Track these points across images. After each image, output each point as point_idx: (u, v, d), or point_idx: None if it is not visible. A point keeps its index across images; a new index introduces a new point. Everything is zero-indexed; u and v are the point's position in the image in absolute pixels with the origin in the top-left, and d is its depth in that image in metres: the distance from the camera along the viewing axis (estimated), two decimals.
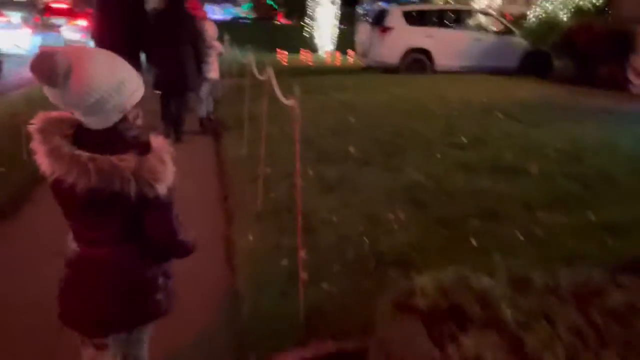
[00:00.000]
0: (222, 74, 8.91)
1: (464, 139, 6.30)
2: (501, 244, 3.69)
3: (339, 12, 22.22)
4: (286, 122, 5.47)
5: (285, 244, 3.90)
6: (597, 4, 13.49)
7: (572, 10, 13.58)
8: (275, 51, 17.55)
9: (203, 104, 8.03)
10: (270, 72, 4.41)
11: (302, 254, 3.25)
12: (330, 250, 3.76)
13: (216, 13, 27.51)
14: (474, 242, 3.74)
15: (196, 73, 7.20)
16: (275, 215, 4.52)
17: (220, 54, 8.35)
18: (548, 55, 14.04)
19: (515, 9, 18.88)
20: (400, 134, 6.62)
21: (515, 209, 4.24)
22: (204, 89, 7.88)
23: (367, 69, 14.50)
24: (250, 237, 4.15)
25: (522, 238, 3.78)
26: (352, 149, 6.00)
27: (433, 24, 14.71)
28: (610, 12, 13.03)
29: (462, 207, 4.36)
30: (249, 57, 6.79)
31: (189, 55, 7.05)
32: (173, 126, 7.17)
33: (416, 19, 14.27)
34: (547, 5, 14.01)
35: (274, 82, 4.04)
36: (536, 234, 3.81)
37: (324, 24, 21.62)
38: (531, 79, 12.42)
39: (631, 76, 8.41)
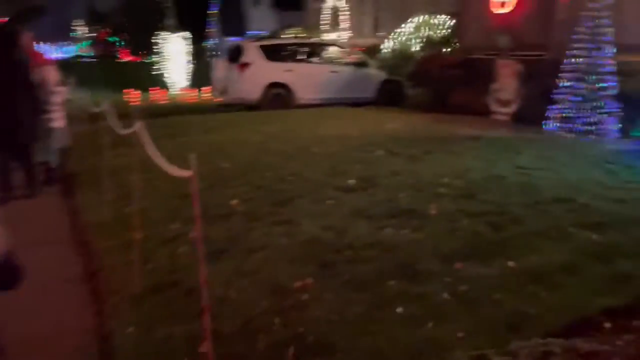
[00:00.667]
0: (71, 121, 7.86)
1: (351, 181, 5.91)
2: (430, 309, 3.25)
3: (189, 47, 21.48)
4: (152, 173, 4.73)
5: (179, 334, 3.17)
6: (445, 34, 14.12)
7: (423, 41, 14.09)
8: (125, 91, 16.35)
9: (48, 155, 6.99)
10: (139, 125, 3.69)
11: (206, 347, 2.62)
12: (237, 339, 3.09)
13: (53, 52, 25.38)
14: (399, 310, 3.27)
15: (35, 122, 6.46)
16: (160, 294, 3.76)
17: (65, 100, 7.38)
18: (401, 84, 14.50)
19: (364, 42, 19.38)
20: (283, 179, 6.09)
21: (431, 262, 3.85)
22: (49, 139, 6.89)
23: (227, 106, 13.94)
24: (131, 330, 3.35)
25: (449, 298, 3.37)
26: (234, 202, 5.35)
27: (291, 58, 14.59)
28: (456, 42, 13.67)
29: (372, 264, 3.90)
30: (98, 99, 6.01)
31: (25, 102, 6.21)
32: (27, 180, 6.50)
33: (274, 53, 14.03)
34: (400, 38, 14.42)
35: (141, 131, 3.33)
36: (463, 291, 3.42)
37: (175, 60, 20.71)
38: (390, 109, 12.60)
39: (492, 104, 8.66)
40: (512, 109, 8.42)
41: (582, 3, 10.56)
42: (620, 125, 8.22)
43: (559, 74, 9.17)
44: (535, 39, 11.61)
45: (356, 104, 13.51)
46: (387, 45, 14.73)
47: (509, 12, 12.07)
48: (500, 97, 8.43)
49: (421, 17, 14.56)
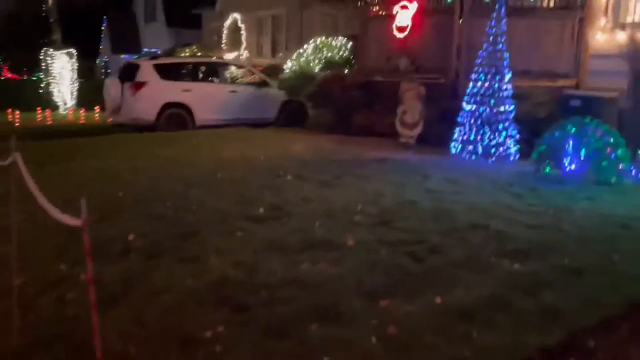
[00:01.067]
0: None
1: (261, 210, 5.54)
2: (359, 358, 2.95)
3: (77, 64, 20.22)
4: (33, 205, 4.11)
5: None
6: (344, 56, 14.15)
7: (324, 62, 14.03)
8: (6, 110, 15.00)
9: None
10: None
11: None
12: None
13: None
14: None
15: None
16: (43, 350, 3.20)
17: None
18: (303, 105, 14.38)
19: (263, 62, 19.16)
20: (187, 209, 5.60)
21: (354, 301, 3.56)
22: None
23: (120, 127, 13.13)
24: None
25: (378, 343, 3.09)
26: (131, 236, 4.80)
27: (189, 78, 14.06)
28: (355, 64, 13.74)
29: (291, 305, 3.54)
30: None
31: None
32: None
33: (170, 72, 13.43)
34: (301, 59, 14.27)
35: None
36: (392, 335, 3.15)
37: (61, 77, 19.38)
38: (292, 130, 12.42)
39: (398, 127, 8.64)
40: (417, 131, 8.44)
41: (479, 29, 10.98)
42: (519, 147, 8.45)
43: (459, 98, 9.42)
44: (433, 63, 11.89)
45: (257, 124, 13.26)
46: (288, 66, 14.54)
47: (407, 37, 12.31)
48: (405, 119, 8.43)
49: (319, 39, 14.51)
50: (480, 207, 5.69)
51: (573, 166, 7.32)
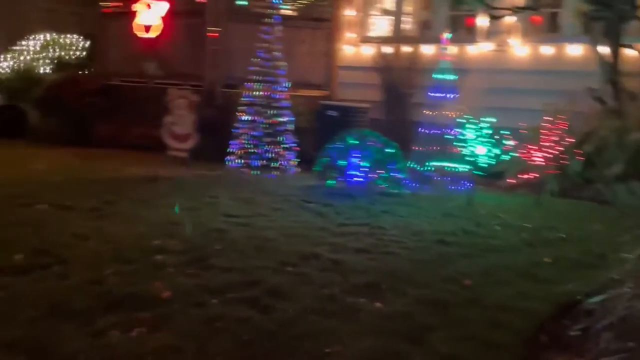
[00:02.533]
0: None
1: (18, 256, 4.02)
2: None
3: None
4: None
5: None
6: (79, 56, 12.25)
7: (55, 62, 11.93)
8: None
9: None
10: None
11: None
12: None
13: None
14: None
15: None
16: None
17: None
18: (22, 112, 12.08)
19: None
20: None
21: None
22: None
23: None
24: None
25: None
26: None
27: None
28: (93, 66, 12.01)
29: None
30: None
31: None
32: None
33: None
34: (23, 57, 11.90)
35: None
36: None
37: None
38: (14, 143, 10.39)
39: (167, 139, 7.48)
40: (189, 144, 7.41)
41: (238, 35, 10.41)
42: (299, 160, 8.06)
43: (218, 108, 8.72)
44: (187, 68, 10.94)
45: None
46: (6, 64, 12.02)
47: (155, 38, 11.13)
48: (175, 131, 7.35)
49: (48, 35, 12.33)
50: (294, 232, 5.02)
51: (356, 178, 7.17)
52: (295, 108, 9.59)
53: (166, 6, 10.97)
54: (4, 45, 16.45)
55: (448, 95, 7.81)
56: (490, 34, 9.03)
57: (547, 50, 8.62)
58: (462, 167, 7.59)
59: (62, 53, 12.09)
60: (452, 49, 8.59)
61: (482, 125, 7.72)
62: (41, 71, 11.85)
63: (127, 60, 11.63)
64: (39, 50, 12.03)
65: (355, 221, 5.58)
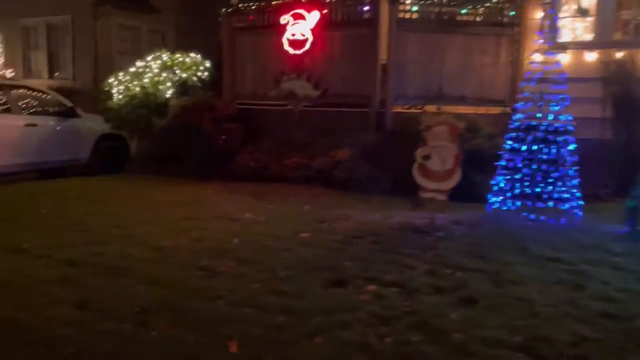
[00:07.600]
0: None
1: None
2: None
3: None
4: None
5: None
6: (204, 78, 10.71)
7: (177, 85, 10.38)
8: None
9: None
10: None
11: None
12: None
13: None
14: None
15: None
16: None
17: None
18: (125, 140, 10.84)
19: (36, 83, 14.23)
20: None
21: None
22: None
23: None
24: None
25: None
26: None
27: None
28: (221, 89, 10.47)
29: None
30: None
31: None
32: None
33: None
34: (145, 80, 10.35)
35: None
36: None
37: None
38: (137, 178, 9.21)
39: (418, 177, 5.85)
40: (451, 183, 5.77)
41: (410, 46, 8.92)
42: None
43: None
44: (347, 87, 9.40)
45: (55, 169, 9.78)
46: (118, 90, 10.48)
47: (302, 54, 9.63)
48: (430, 167, 5.74)
49: (165, 55, 10.79)
50: None
51: None
52: (482, 130, 8.08)
53: (317, 16, 9.47)
54: (84, 69, 15.06)
55: None
56: None
57: None
58: None
59: (186, 75, 10.55)
60: None
61: None
62: (165, 95, 10.32)
63: (264, 81, 10.13)
64: (160, 73, 10.51)
65: None
